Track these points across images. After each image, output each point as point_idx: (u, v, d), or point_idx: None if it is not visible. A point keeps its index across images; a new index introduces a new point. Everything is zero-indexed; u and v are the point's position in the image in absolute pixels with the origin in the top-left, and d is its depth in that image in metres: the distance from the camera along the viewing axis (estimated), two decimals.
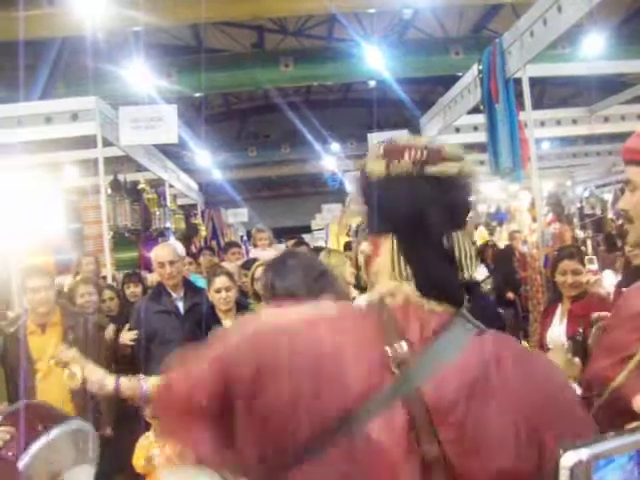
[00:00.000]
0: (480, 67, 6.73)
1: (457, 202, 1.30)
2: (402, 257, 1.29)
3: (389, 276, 1.31)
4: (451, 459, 1.14)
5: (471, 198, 1.33)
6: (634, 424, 1.10)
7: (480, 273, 8.15)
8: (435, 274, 1.28)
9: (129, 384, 2.39)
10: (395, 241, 1.29)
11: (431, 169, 1.27)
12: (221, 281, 4.77)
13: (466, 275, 1.31)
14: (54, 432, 2.21)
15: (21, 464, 1.99)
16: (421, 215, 1.26)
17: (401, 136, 1.38)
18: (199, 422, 1.26)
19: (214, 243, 13.48)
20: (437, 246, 1.27)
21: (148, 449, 4.28)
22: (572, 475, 0.98)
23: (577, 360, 2.15)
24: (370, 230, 1.36)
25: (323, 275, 2.28)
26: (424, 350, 1.21)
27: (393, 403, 1.16)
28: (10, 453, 2.01)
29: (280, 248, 9.03)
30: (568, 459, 0.98)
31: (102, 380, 2.44)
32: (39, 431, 2.18)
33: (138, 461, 4.29)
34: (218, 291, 4.75)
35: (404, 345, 1.20)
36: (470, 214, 1.33)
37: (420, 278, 1.28)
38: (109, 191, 7.58)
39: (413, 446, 1.15)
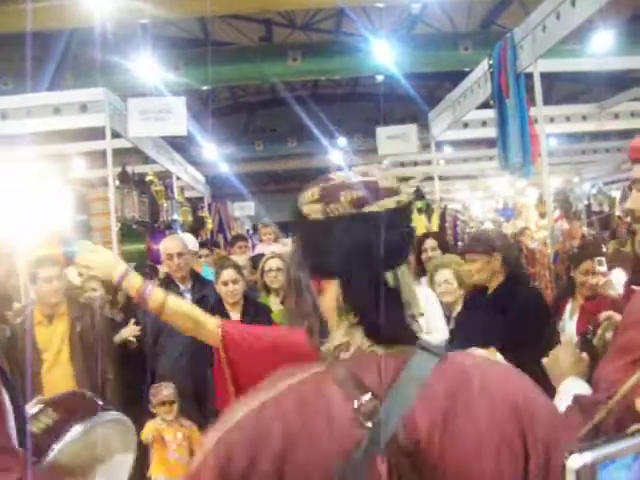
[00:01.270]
0: (491, 62, 6.70)
1: (398, 237, 1.28)
2: (347, 302, 1.27)
3: (336, 322, 1.29)
4: None
5: (410, 230, 1.32)
6: (636, 426, 1.11)
7: None
8: (383, 317, 1.25)
9: (134, 281, 2.42)
10: (339, 285, 1.28)
11: (369, 208, 1.25)
12: (228, 274, 4.77)
13: (413, 312, 1.29)
14: (93, 420, 2.22)
15: (55, 447, 2.00)
16: (363, 257, 1.24)
17: (338, 174, 1.35)
18: None
19: (220, 236, 13.48)
20: (381, 287, 1.25)
21: (159, 431, 4.37)
22: (578, 477, 1.02)
23: (585, 356, 2.14)
24: (312, 272, 1.33)
25: None
26: (388, 396, 1.21)
27: (373, 456, 1.16)
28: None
29: (286, 242, 9.01)
30: (574, 462, 1.03)
31: (110, 268, 2.45)
32: (78, 419, 2.19)
33: (146, 435, 4.38)
34: (225, 284, 4.75)
35: (368, 396, 1.20)
36: (410, 248, 1.32)
37: (368, 323, 1.26)
38: (117, 183, 7.56)
39: None
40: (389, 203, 1.26)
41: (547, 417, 1.24)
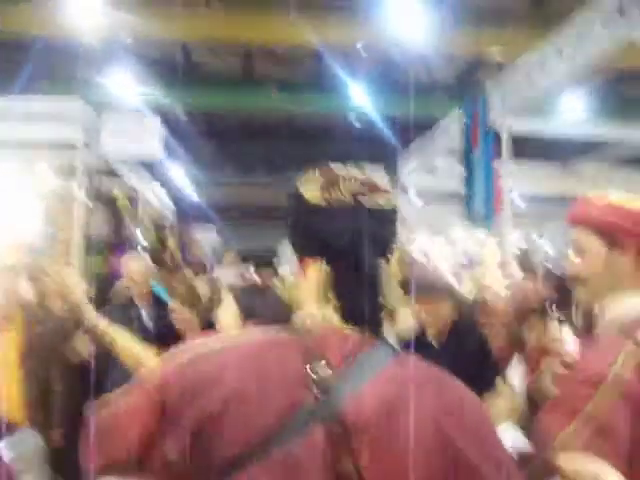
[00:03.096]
0: (462, 114, 6.86)
1: (385, 232, 1.39)
2: (329, 281, 1.35)
3: (314, 300, 1.37)
4: (365, 473, 1.20)
5: (395, 228, 1.43)
6: None
7: None
8: (359, 301, 1.33)
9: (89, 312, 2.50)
10: (324, 266, 1.36)
11: (365, 200, 1.36)
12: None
13: (388, 305, 1.37)
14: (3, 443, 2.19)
15: None
16: (353, 244, 1.32)
17: (337, 166, 1.46)
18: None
19: (181, 258, 13.36)
20: (363, 274, 1.33)
21: None
22: None
23: (522, 405, 2.20)
24: (297, 251, 1.43)
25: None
26: (343, 370, 1.27)
27: (313, 422, 1.22)
28: None
29: (245, 268, 9.01)
30: None
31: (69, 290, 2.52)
32: None
33: None
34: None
35: (324, 365, 1.26)
36: (394, 244, 1.41)
37: (344, 304, 1.35)
38: (85, 197, 7.51)
39: (329, 463, 1.20)
40: (382, 199, 1.38)
41: (485, 432, 1.30)
